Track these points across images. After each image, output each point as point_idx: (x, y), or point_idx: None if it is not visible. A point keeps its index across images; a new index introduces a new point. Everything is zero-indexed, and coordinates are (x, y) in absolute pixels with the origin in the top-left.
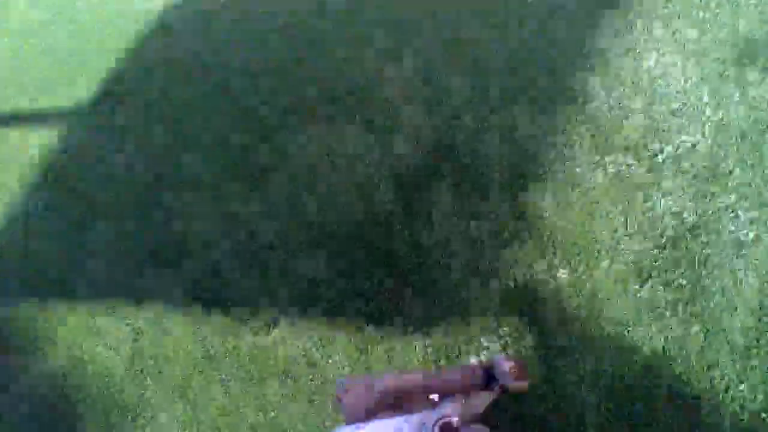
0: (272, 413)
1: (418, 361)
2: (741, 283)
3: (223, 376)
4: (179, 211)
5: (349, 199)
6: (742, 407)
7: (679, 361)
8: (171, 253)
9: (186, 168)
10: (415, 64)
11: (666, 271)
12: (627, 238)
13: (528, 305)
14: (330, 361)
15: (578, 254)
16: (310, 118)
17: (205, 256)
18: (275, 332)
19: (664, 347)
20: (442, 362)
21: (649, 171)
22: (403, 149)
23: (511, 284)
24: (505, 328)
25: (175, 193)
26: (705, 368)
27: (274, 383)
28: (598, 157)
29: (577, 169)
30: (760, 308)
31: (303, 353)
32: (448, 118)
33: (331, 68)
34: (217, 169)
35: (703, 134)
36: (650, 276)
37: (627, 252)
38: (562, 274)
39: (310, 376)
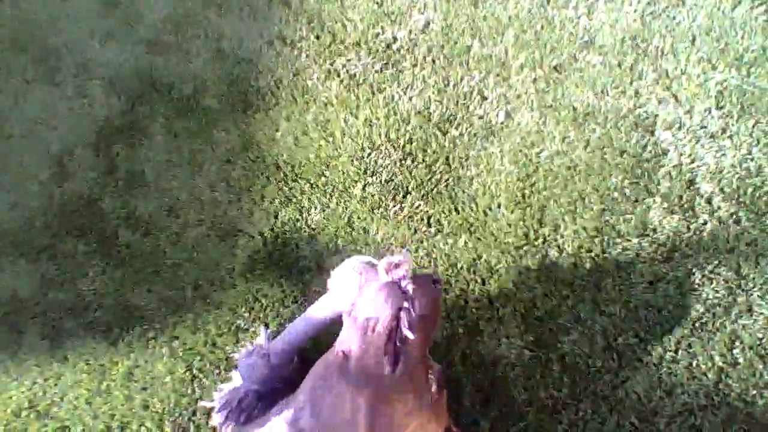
0: None
1: (168, 371)
2: (499, 173)
3: None
4: None
5: (42, 178)
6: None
7: (454, 282)
8: None
9: None
10: None
11: (422, 182)
12: (373, 153)
13: (281, 261)
14: (64, 398)
15: (326, 186)
16: None
17: None
18: None
19: (435, 269)
20: (196, 371)
21: (386, 66)
22: (97, 100)
23: (259, 241)
24: (261, 300)
25: None
26: (479, 282)
27: None
28: (328, 62)
29: (309, 82)
30: (523, 198)
31: (27, 404)
32: (142, 45)
33: None
34: None
35: (435, 8)
36: (407, 192)
37: (378, 170)
38: (315, 213)
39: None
